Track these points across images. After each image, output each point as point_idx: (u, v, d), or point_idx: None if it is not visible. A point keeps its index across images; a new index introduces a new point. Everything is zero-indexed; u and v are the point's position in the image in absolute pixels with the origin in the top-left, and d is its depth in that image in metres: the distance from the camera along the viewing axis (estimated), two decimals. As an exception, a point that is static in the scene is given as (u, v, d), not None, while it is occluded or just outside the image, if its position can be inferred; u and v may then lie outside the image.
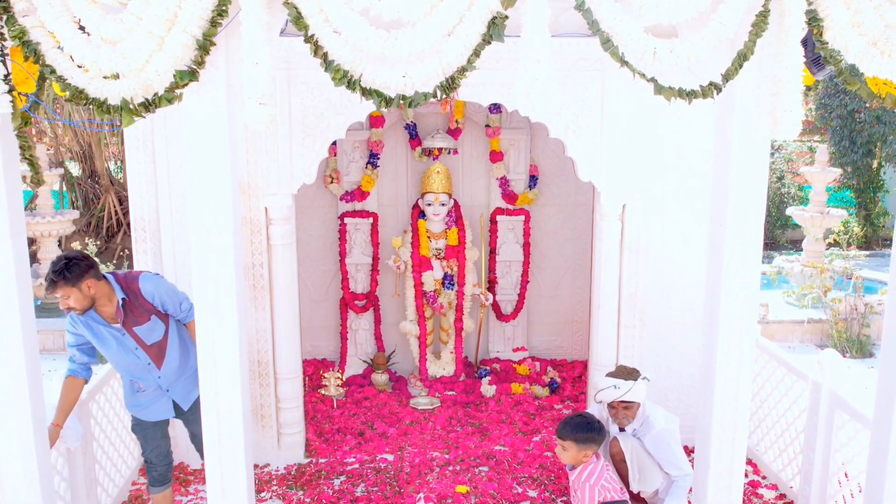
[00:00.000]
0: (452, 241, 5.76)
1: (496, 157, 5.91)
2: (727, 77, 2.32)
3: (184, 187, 4.16)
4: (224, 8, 2.20)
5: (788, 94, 2.33)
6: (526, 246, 6.13)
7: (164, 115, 4.22)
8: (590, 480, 3.57)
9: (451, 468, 4.63)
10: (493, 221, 6.06)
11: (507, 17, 2.13)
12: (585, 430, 3.61)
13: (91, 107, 2.26)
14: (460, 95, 4.37)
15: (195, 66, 2.24)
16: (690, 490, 3.72)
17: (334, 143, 5.46)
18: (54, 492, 3.05)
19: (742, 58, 2.30)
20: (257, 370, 4.59)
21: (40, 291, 8.17)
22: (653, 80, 2.27)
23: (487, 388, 5.69)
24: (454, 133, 5.85)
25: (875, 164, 12.44)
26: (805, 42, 2.34)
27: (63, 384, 3.50)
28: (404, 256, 5.79)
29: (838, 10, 2.27)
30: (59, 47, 2.25)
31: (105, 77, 2.25)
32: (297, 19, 2.15)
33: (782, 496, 4.38)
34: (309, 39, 2.17)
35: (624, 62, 2.22)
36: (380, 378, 5.83)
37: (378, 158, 5.85)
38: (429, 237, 5.76)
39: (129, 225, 7.64)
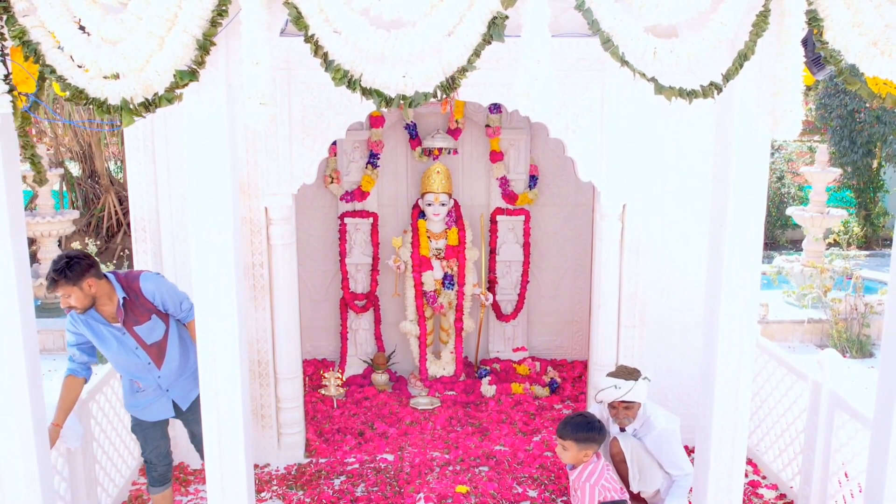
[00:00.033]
0: (452, 241, 5.76)
1: (496, 157, 5.91)
2: (728, 77, 2.32)
3: (184, 187, 4.16)
4: (224, 8, 2.20)
5: (788, 94, 2.33)
6: (526, 246, 6.13)
7: (164, 115, 4.22)
8: (590, 480, 3.57)
9: (451, 468, 4.63)
10: (493, 221, 6.06)
11: (507, 17, 2.13)
12: (586, 429, 3.61)
13: (91, 107, 2.26)
14: (460, 95, 4.37)
15: (195, 66, 2.24)
16: (691, 490, 3.72)
17: (334, 143, 5.46)
18: (54, 492, 3.05)
19: (742, 58, 2.30)
20: (257, 370, 4.59)
21: (40, 291, 8.17)
22: (653, 79, 2.27)
23: (487, 388, 5.69)
24: (454, 133, 5.85)
25: (875, 164, 12.45)
26: (805, 42, 2.34)
27: (63, 383, 3.50)
28: (404, 256, 5.79)
29: (838, 9, 2.27)
30: (59, 47, 2.25)
31: (105, 77, 2.25)
32: (298, 19, 2.15)
33: (782, 496, 4.38)
34: (309, 39, 2.17)
35: (624, 62, 2.22)
36: (380, 378, 5.83)
37: (378, 158, 5.85)
38: (429, 237, 5.76)
39: (129, 225, 7.64)
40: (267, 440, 4.71)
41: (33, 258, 9.06)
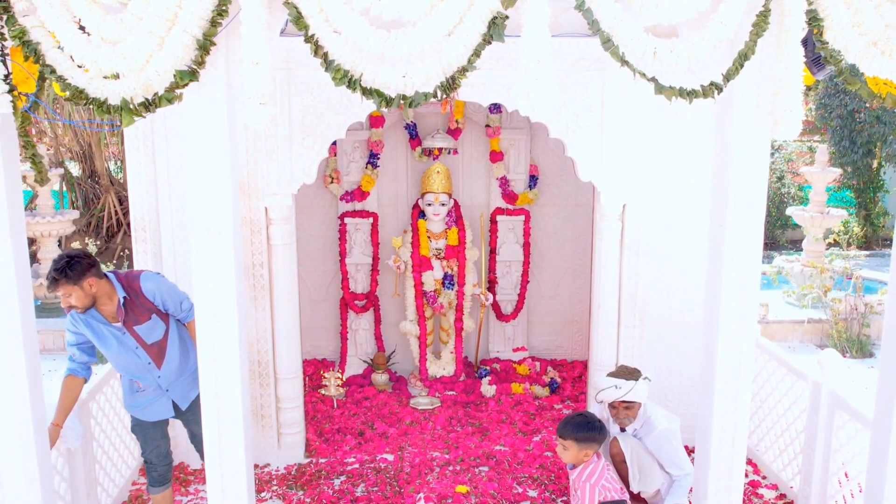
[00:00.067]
0: (452, 241, 5.76)
1: (496, 157, 5.91)
2: (728, 77, 2.32)
3: (184, 187, 4.16)
4: (224, 8, 2.20)
5: (788, 94, 2.33)
6: (526, 246, 6.13)
7: (164, 115, 4.22)
8: (590, 480, 3.57)
9: (451, 468, 4.63)
10: (493, 221, 6.06)
11: (507, 17, 2.13)
12: (586, 429, 3.61)
13: (91, 107, 2.26)
14: (460, 95, 4.37)
15: (195, 66, 2.24)
16: (691, 490, 3.72)
17: (334, 143, 5.46)
18: (54, 492, 3.05)
19: (743, 57, 2.30)
20: (257, 370, 4.59)
21: (40, 291, 8.17)
22: (653, 79, 2.27)
23: (487, 388, 5.69)
24: (454, 133, 5.85)
25: (875, 164, 12.45)
26: (805, 42, 2.34)
27: (63, 383, 3.50)
28: (404, 256, 5.79)
29: (838, 9, 2.27)
30: (59, 47, 2.25)
31: (105, 77, 2.25)
32: (298, 19, 2.15)
33: (782, 496, 4.38)
34: (309, 39, 2.17)
35: (624, 62, 2.22)
36: (380, 378, 5.83)
37: (378, 158, 5.85)
38: (429, 237, 5.76)
39: (129, 225, 7.64)
40: (267, 440, 4.71)
41: (33, 258, 9.06)
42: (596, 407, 4.11)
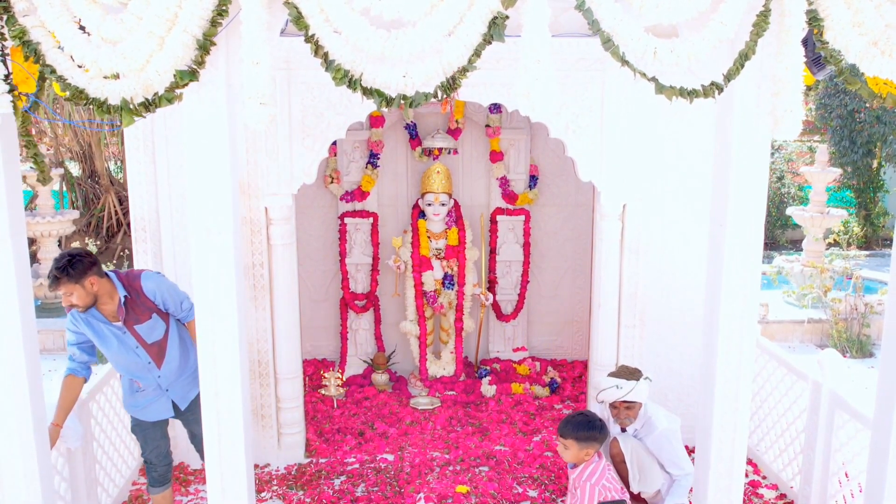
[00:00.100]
0: (452, 241, 5.76)
1: (496, 157, 5.91)
2: (729, 77, 2.32)
3: (184, 187, 4.16)
4: (224, 8, 2.20)
5: (789, 94, 2.33)
6: (526, 246, 6.13)
7: (164, 115, 4.22)
8: (591, 479, 3.57)
9: (451, 468, 4.63)
10: (493, 221, 6.06)
11: (507, 16, 2.13)
12: (587, 428, 3.61)
13: (91, 107, 2.26)
14: (460, 95, 4.37)
15: (195, 66, 2.24)
16: (691, 490, 3.72)
17: (334, 143, 5.45)
18: (54, 492, 3.05)
19: (743, 57, 2.30)
20: (257, 370, 4.59)
21: (40, 291, 8.17)
22: (654, 79, 2.27)
23: (487, 388, 5.69)
24: (454, 133, 5.85)
25: (875, 164, 12.45)
26: (805, 42, 2.34)
27: (63, 383, 3.50)
28: (404, 256, 5.79)
29: (839, 9, 2.27)
30: (59, 47, 2.25)
31: (105, 77, 2.25)
32: (298, 19, 2.15)
33: (782, 496, 4.38)
34: (309, 39, 2.17)
35: (625, 62, 2.22)
36: (380, 378, 5.83)
37: (378, 158, 5.85)
38: (429, 237, 5.76)
39: (129, 225, 7.64)
40: (267, 440, 4.71)
41: (33, 258, 9.06)
42: (597, 407, 4.11)
